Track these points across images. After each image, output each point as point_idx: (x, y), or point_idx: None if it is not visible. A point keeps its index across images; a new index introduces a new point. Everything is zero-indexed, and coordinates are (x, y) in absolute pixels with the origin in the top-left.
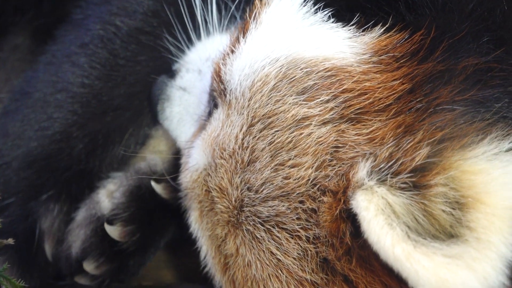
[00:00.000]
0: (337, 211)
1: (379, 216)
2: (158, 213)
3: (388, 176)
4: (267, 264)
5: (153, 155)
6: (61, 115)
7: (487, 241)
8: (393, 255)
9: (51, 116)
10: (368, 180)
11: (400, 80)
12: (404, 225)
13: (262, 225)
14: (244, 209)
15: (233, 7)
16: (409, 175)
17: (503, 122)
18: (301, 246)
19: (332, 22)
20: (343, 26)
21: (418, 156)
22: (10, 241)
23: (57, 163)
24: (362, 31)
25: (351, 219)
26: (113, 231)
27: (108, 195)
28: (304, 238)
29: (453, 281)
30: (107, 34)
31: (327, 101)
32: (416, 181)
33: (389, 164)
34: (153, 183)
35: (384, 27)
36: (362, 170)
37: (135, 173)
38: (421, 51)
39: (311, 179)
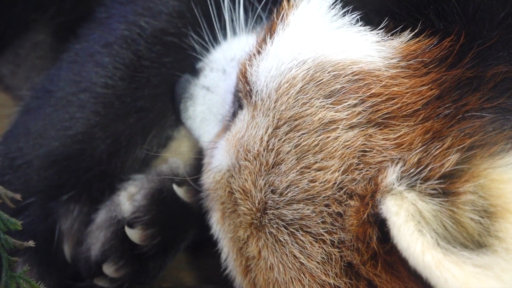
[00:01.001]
0: (365, 216)
1: (409, 222)
2: (179, 216)
3: (418, 181)
4: (290, 268)
5: (175, 157)
6: (84, 115)
7: None
8: (423, 262)
9: (74, 116)
10: (398, 185)
11: (429, 86)
12: (434, 232)
13: (286, 228)
14: (267, 211)
15: (259, 8)
16: (438, 181)
17: None
18: (325, 250)
19: (360, 25)
20: (371, 30)
21: (448, 162)
22: (31, 243)
23: (78, 164)
24: (391, 36)
25: (378, 223)
26: (134, 234)
27: (129, 198)
28: (328, 242)
29: None
30: (131, 34)
31: (355, 105)
32: (445, 187)
33: (418, 169)
34: (175, 186)
35: (413, 32)
36: (391, 175)
37: (156, 175)
38: (450, 57)
39: (337, 183)
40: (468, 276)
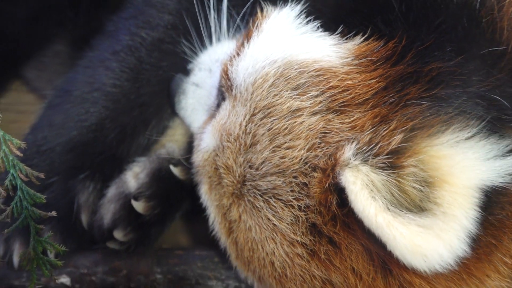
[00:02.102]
0: (326, 185)
1: (364, 189)
2: (175, 191)
3: (370, 157)
4: (265, 228)
5: (171, 143)
6: (96, 110)
7: (452, 215)
8: (376, 222)
9: (88, 110)
10: (354, 160)
11: (376, 79)
12: (384, 199)
13: (261, 196)
14: (246, 183)
15: (238, 19)
16: (386, 157)
17: (462, 115)
18: (293, 214)
19: (321, 31)
20: (330, 35)
21: (394, 141)
22: (53, 213)
23: (92, 149)
24: (346, 39)
25: (337, 191)
26: (138, 206)
27: (134, 176)
28: (296, 207)
29: (425, 248)
30: (134, 43)
31: (316, 96)
32: (392, 162)
33: (370, 147)
34: (171, 166)
35: (364, 37)
36: (348, 152)
37: (156, 158)
38: (394, 56)
39: (303, 159)
40: (413, 234)
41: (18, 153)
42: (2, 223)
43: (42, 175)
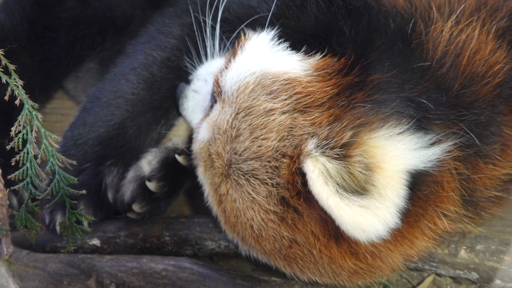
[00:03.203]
0: (293, 169)
1: (320, 177)
2: (179, 173)
3: (327, 149)
4: (246, 200)
5: (176, 137)
6: (119, 112)
7: (385, 195)
8: (327, 203)
9: (113, 113)
10: (314, 152)
11: (331, 87)
12: (336, 184)
13: (243, 176)
14: (232, 166)
15: (228, 42)
16: (339, 149)
17: (396, 115)
18: (268, 189)
19: (289, 50)
20: (296, 53)
21: (345, 136)
22: (83, 191)
23: (116, 142)
24: (308, 56)
25: (301, 174)
26: (151, 185)
27: (148, 163)
28: (270, 184)
29: (365, 224)
30: (148, 62)
31: (285, 99)
32: (344, 153)
33: (327, 141)
34: (176, 155)
35: (322, 54)
36: (310, 145)
37: (165, 148)
38: (344, 69)
39: (275, 147)
40: (355, 213)
41: (55, 145)
42: (46, 200)
43: (74, 162)
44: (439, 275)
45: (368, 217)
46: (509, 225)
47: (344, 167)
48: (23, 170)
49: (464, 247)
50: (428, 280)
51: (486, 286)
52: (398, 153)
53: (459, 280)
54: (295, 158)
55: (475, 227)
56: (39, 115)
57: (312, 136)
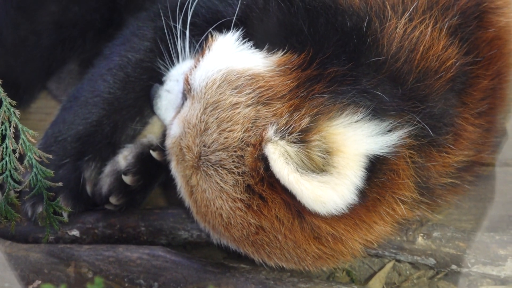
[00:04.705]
0: (256, 155)
1: (280, 157)
2: (154, 168)
3: (286, 135)
4: (215, 189)
5: (150, 134)
6: (96, 110)
7: (344, 174)
8: (288, 180)
9: (91, 111)
10: (274, 137)
11: (291, 80)
12: (296, 164)
13: (212, 166)
14: (201, 158)
15: (197, 46)
16: (298, 134)
17: (353, 104)
18: (234, 178)
19: (253, 49)
20: (259, 51)
21: (303, 123)
22: (60, 184)
23: (94, 139)
24: (271, 54)
25: (264, 160)
26: (127, 179)
27: (124, 158)
28: (236, 173)
29: (324, 197)
30: (123, 63)
31: (249, 93)
32: (302, 137)
33: (286, 128)
34: (151, 151)
35: (283, 51)
36: (270, 131)
37: (140, 144)
38: (304, 64)
39: (240, 138)
40: (315, 187)
41: (32, 140)
42: (25, 192)
43: (51, 156)
44: (398, 261)
45: (327, 191)
46: (465, 213)
47: (303, 151)
48: (2, 164)
49: (422, 234)
50: (389, 265)
51: (443, 271)
52: (357, 138)
53: (417, 265)
54: (257, 146)
55: (432, 214)
56: (17, 112)
57: (273, 125)
